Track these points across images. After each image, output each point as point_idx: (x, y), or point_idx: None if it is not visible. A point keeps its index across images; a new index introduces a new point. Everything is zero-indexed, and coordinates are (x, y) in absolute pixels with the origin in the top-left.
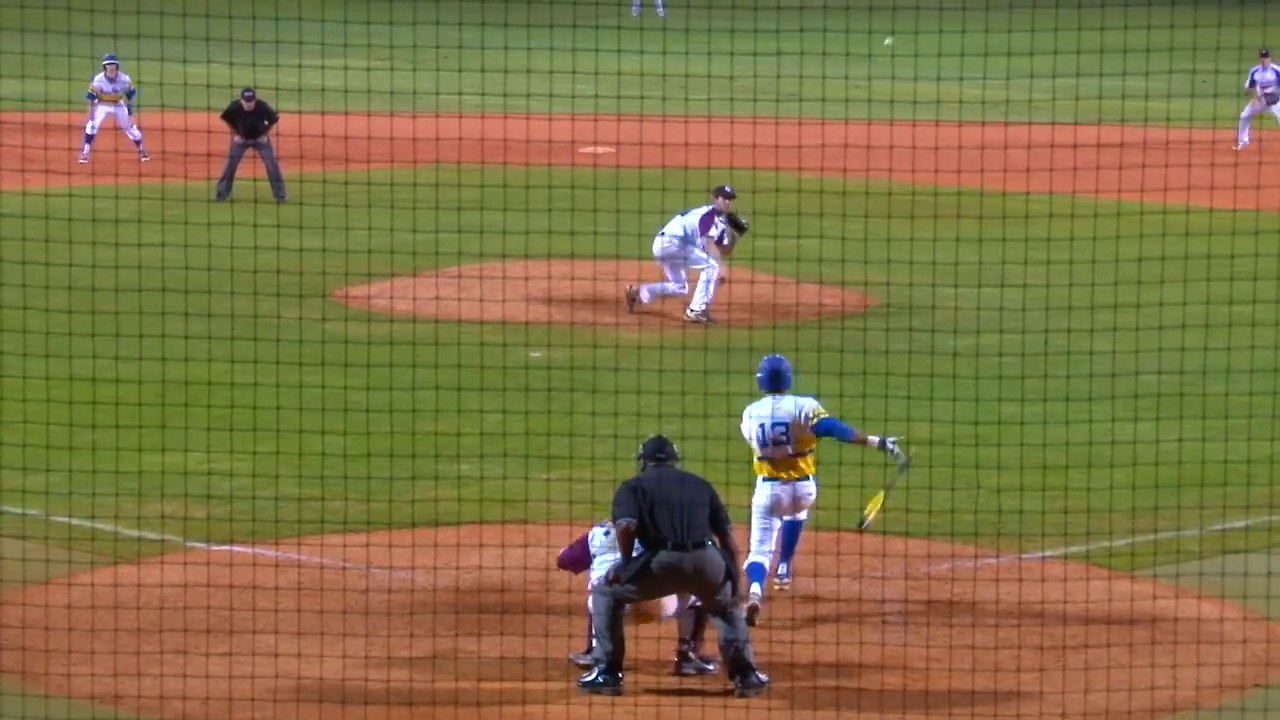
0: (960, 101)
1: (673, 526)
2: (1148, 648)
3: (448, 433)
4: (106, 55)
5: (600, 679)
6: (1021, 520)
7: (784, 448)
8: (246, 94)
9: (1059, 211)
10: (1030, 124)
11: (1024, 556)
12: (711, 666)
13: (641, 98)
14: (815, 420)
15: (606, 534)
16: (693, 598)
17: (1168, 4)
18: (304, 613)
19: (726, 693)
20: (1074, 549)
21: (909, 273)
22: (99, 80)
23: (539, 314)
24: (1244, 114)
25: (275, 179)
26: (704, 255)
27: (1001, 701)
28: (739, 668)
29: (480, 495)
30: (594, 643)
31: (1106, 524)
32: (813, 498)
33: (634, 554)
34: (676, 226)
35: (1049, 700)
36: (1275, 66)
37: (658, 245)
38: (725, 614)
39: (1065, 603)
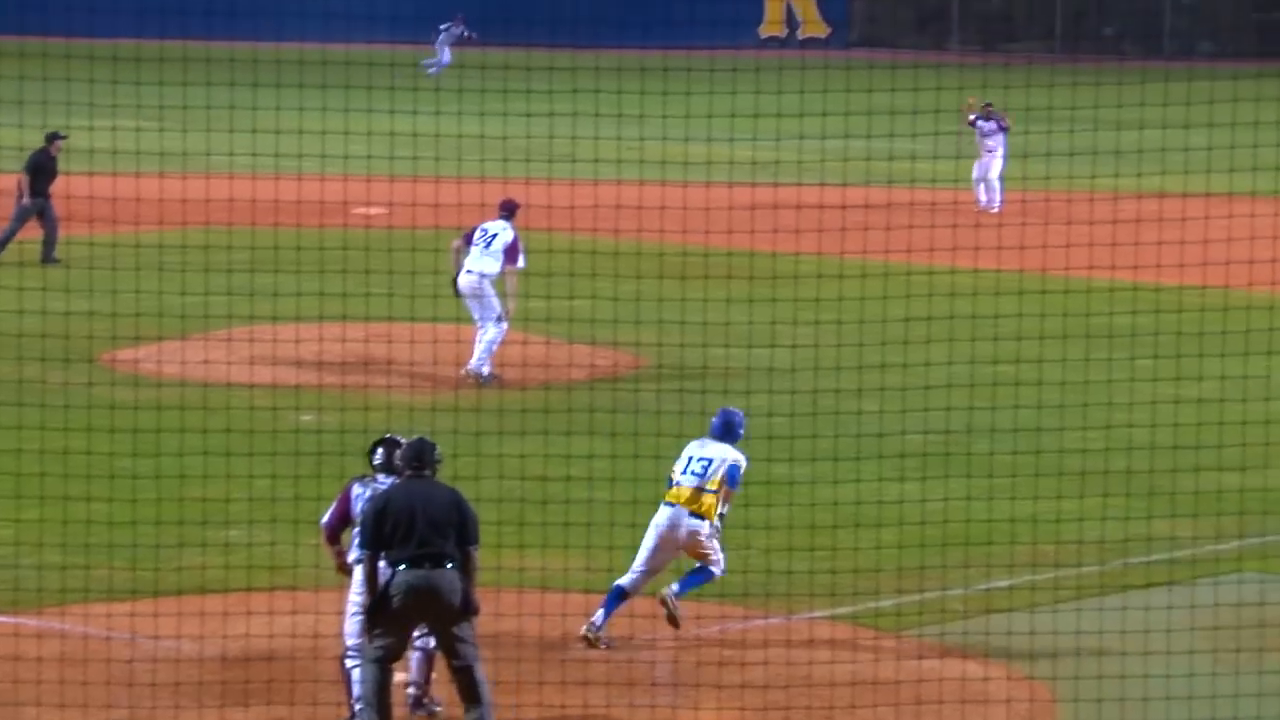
0: (730, 163)
1: (413, 544)
2: (914, 708)
3: (216, 499)
4: None
5: None
6: (790, 581)
7: (695, 479)
8: (59, 138)
9: (827, 272)
10: (800, 185)
11: (793, 617)
12: (440, 708)
13: (415, 158)
14: (727, 465)
15: (365, 489)
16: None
17: (933, 66)
18: (67, 684)
19: None
20: (841, 610)
21: (680, 333)
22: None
23: (310, 377)
24: (974, 174)
25: (52, 240)
26: (495, 306)
27: None
28: None
29: (249, 562)
30: (356, 711)
31: (874, 584)
32: (700, 538)
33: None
34: (484, 263)
35: None
36: (999, 119)
37: (464, 282)
38: (465, 673)
39: (833, 664)
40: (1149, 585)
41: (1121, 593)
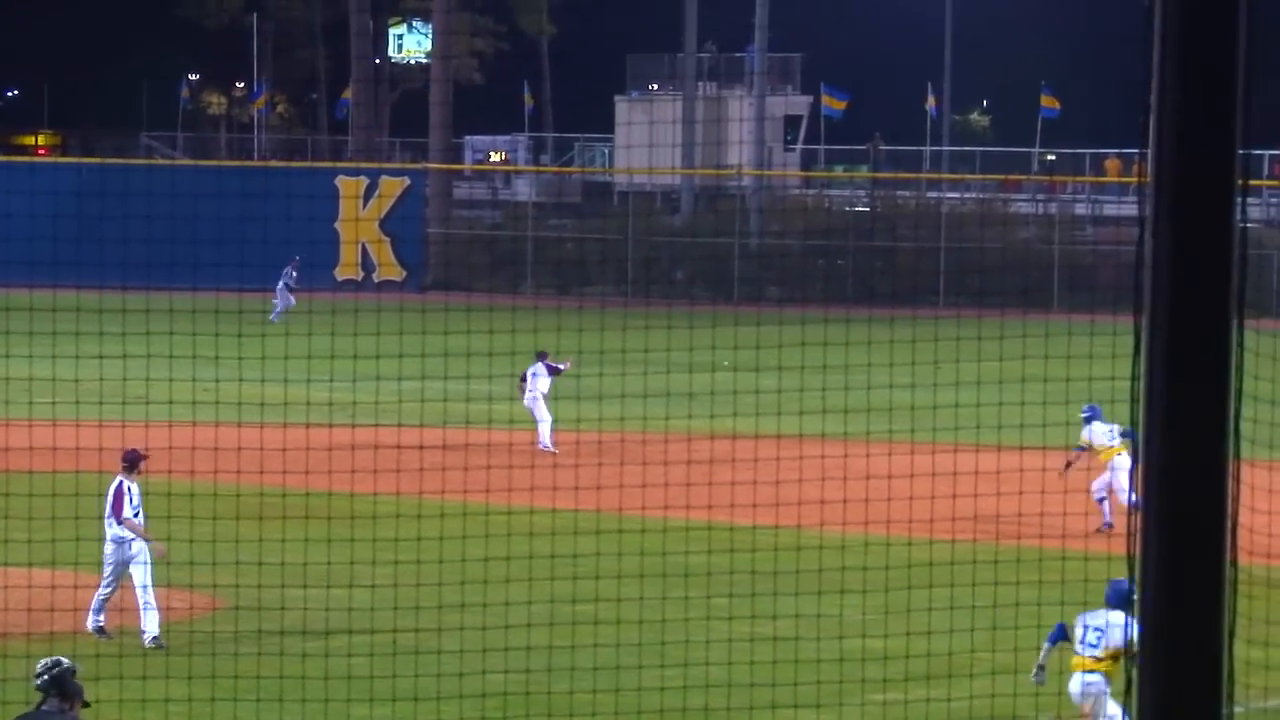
0: (307, 403)
1: None
2: None
3: None
4: None
5: None
6: None
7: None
8: None
9: (406, 512)
10: (377, 425)
11: None
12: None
13: None
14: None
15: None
16: None
17: (509, 309)
18: None
19: None
20: None
21: (258, 574)
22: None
23: None
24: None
25: None
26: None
27: None
28: None
29: None
30: None
31: None
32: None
33: None
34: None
35: None
36: (551, 364)
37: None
38: None
39: None
40: None
41: None
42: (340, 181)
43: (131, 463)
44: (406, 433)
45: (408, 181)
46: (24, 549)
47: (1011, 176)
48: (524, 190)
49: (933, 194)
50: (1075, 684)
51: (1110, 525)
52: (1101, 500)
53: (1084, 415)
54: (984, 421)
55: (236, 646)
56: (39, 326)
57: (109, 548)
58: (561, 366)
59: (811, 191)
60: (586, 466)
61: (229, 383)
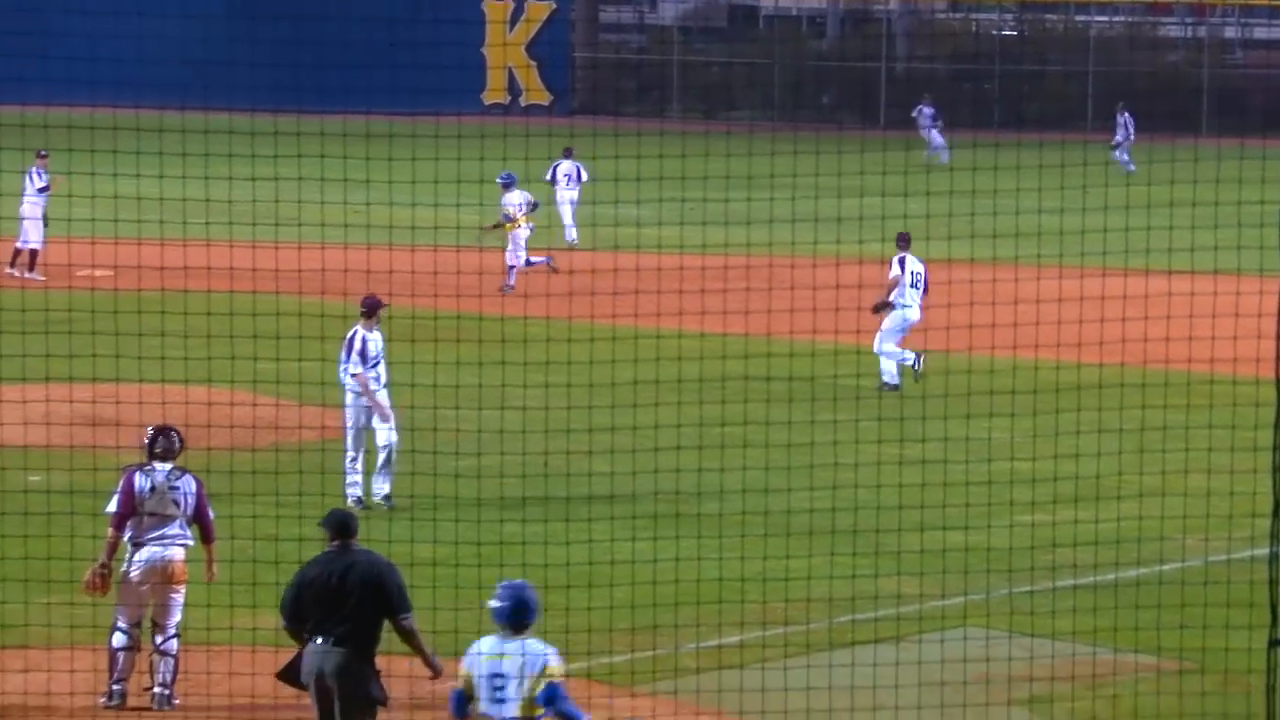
0: (457, 227)
1: (320, 621)
2: None
3: None
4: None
5: None
6: None
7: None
8: None
9: (556, 336)
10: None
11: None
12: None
13: (139, 221)
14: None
15: (146, 479)
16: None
17: (656, 134)
18: None
19: None
20: (575, 665)
21: (411, 395)
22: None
23: (37, 438)
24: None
25: None
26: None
27: None
28: None
29: None
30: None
31: (607, 641)
32: None
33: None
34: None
35: None
36: (580, 164)
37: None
38: None
39: None
40: (877, 641)
41: (850, 648)
42: (487, 6)
43: (370, 309)
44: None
45: (554, 5)
46: (180, 366)
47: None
48: (669, 14)
49: (1081, 17)
50: None
51: None
52: None
53: None
54: (1133, 246)
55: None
56: (191, 148)
57: (347, 397)
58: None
59: (958, 15)
60: (734, 291)
61: (379, 206)
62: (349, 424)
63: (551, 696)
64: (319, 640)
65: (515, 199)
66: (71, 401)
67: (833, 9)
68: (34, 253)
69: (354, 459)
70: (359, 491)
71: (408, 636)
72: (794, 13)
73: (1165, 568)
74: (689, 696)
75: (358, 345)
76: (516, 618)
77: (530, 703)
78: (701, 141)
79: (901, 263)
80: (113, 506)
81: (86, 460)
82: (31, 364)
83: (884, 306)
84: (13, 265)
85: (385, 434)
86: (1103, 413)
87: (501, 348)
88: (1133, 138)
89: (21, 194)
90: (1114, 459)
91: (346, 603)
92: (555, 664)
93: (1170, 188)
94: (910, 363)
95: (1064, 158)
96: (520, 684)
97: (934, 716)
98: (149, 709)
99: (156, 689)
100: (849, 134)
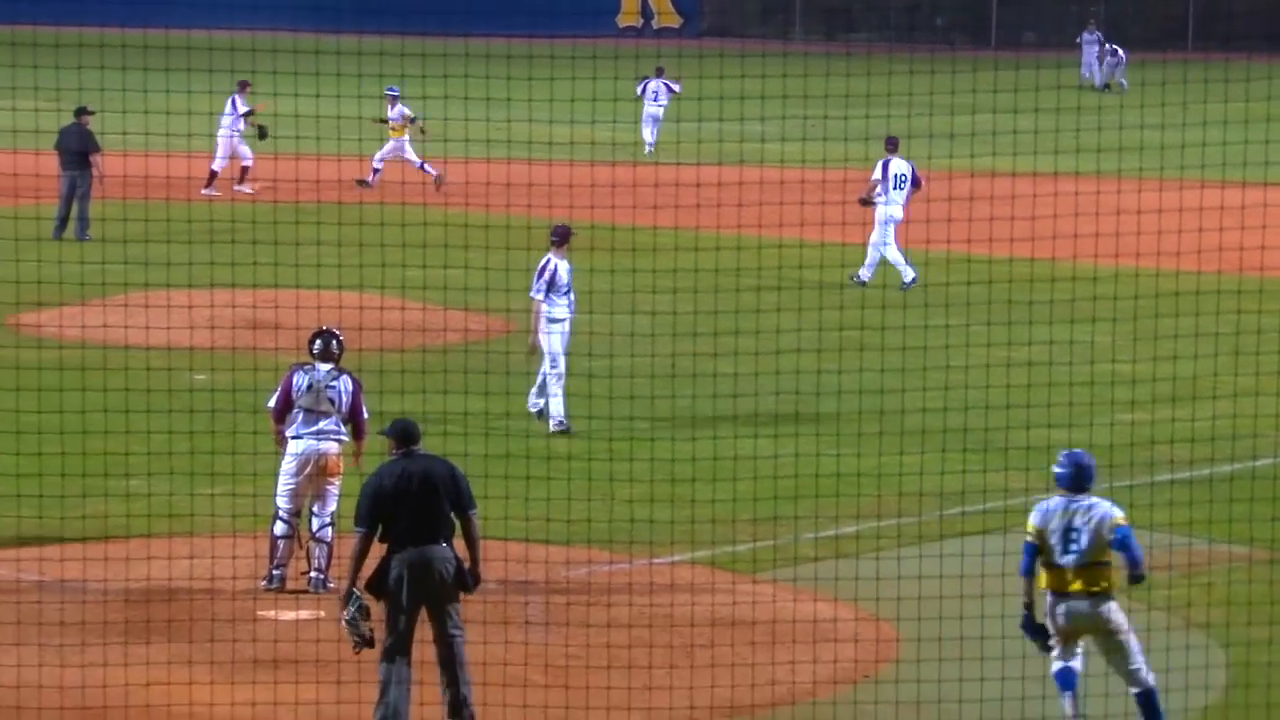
0: (592, 143)
1: (409, 523)
2: (769, 645)
3: (116, 451)
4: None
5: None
6: (652, 528)
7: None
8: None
9: (683, 245)
10: (656, 164)
11: (655, 561)
12: (334, 584)
13: (296, 138)
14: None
15: (306, 377)
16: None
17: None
18: None
19: None
20: (700, 554)
21: None
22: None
23: (202, 339)
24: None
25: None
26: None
27: (636, 695)
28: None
29: (148, 510)
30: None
31: (730, 531)
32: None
33: (369, 558)
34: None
35: (679, 694)
36: (668, 82)
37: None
38: (446, 639)
39: (693, 604)
40: (984, 531)
41: (959, 538)
42: None
43: (561, 237)
44: (684, 170)
45: None
46: (334, 273)
47: None
48: None
49: None
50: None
51: None
52: None
53: None
54: (1230, 159)
55: (527, 364)
56: (345, 69)
57: (542, 324)
58: (676, 87)
59: None
60: (852, 204)
61: (520, 123)
62: (545, 348)
63: (1124, 538)
64: (409, 539)
65: (398, 113)
66: (233, 306)
67: None
68: (245, 168)
69: (544, 378)
70: (560, 415)
71: (470, 531)
72: None
73: (1258, 463)
74: (807, 583)
75: (548, 274)
76: (1079, 480)
77: (1100, 548)
78: (822, 62)
79: (885, 165)
80: (272, 402)
81: (247, 361)
82: (197, 271)
83: (866, 203)
84: (209, 185)
85: (560, 353)
86: (1199, 318)
87: (632, 256)
88: (1124, 61)
89: (221, 117)
90: (1210, 361)
91: (429, 501)
92: (1121, 514)
93: (1267, 104)
94: (866, 276)
95: (1165, 75)
96: (1092, 535)
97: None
98: (306, 592)
99: (313, 573)
100: (961, 54)
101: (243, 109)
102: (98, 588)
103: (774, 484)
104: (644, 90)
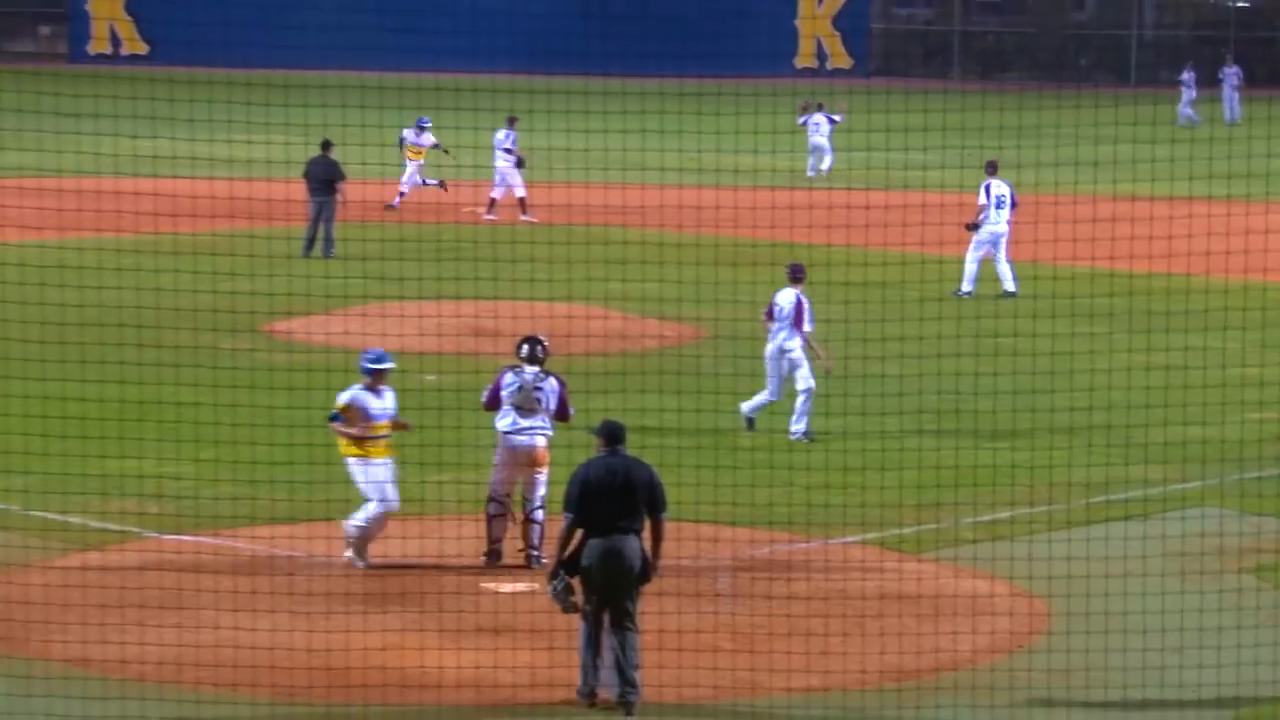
0: (773, 171)
1: (608, 515)
2: (932, 617)
3: None
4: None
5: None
6: (827, 512)
7: None
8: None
9: (853, 261)
10: (830, 189)
11: (830, 542)
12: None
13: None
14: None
15: (516, 378)
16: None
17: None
18: (239, 591)
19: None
20: (870, 535)
21: (733, 309)
22: (409, 134)
23: (432, 345)
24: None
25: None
26: (800, 359)
27: (813, 660)
28: (622, 681)
29: None
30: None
31: (897, 515)
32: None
33: (572, 544)
34: (779, 336)
35: (851, 659)
36: (828, 114)
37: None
38: (621, 623)
39: (864, 580)
40: (1126, 518)
41: (1104, 524)
42: None
43: (797, 276)
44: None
45: None
46: (545, 287)
47: None
48: None
49: None
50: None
51: None
52: None
53: None
54: None
55: (716, 366)
56: (555, 105)
57: (768, 348)
58: (837, 118)
59: None
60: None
61: (708, 153)
62: (773, 368)
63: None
64: (607, 529)
65: (426, 140)
66: (458, 315)
67: None
68: (521, 201)
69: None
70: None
71: (658, 531)
72: None
73: None
74: (966, 562)
75: (807, 309)
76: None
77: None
78: (978, 98)
79: (986, 189)
80: (484, 397)
81: (470, 364)
82: (426, 285)
83: (973, 226)
84: (489, 209)
85: (805, 380)
86: None
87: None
88: (1195, 94)
89: (494, 149)
90: None
91: (627, 498)
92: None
93: None
94: (969, 289)
95: None
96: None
97: (1175, 582)
98: (523, 567)
99: (531, 550)
100: (1103, 91)
101: (505, 144)
102: (341, 563)
103: (936, 474)
104: (805, 122)
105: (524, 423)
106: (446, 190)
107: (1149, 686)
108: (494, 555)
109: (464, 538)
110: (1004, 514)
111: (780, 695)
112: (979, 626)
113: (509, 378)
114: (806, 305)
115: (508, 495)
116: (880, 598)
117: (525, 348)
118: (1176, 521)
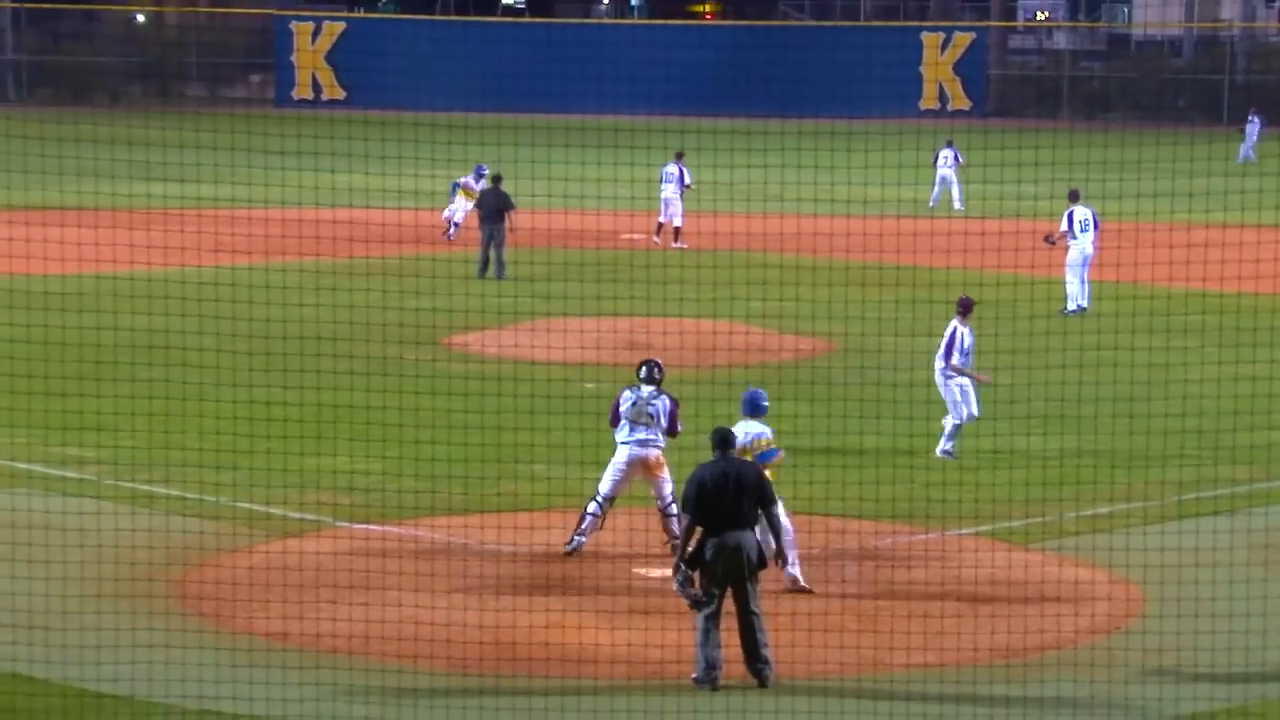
0: (899, 201)
1: (724, 514)
2: (1038, 601)
3: (525, 443)
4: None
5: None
6: (944, 506)
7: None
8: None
9: (970, 281)
10: (950, 218)
11: (946, 533)
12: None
13: (648, 198)
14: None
15: (633, 395)
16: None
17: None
18: (420, 575)
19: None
20: (982, 528)
21: (861, 325)
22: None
23: (591, 356)
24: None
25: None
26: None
27: (930, 639)
28: (752, 659)
29: (548, 490)
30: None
31: (1007, 510)
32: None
33: (693, 542)
34: (936, 364)
35: (965, 638)
36: (956, 151)
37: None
38: (747, 608)
39: (976, 567)
40: (1215, 513)
41: (1194, 519)
42: (923, 35)
43: (965, 309)
44: (970, 223)
45: (974, 35)
46: (693, 305)
47: None
48: (1063, 40)
49: None
50: None
51: None
52: None
53: None
54: None
55: (845, 376)
56: (704, 144)
57: (938, 377)
58: (962, 159)
59: None
60: (1108, 249)
61: (841, 185)
62: (948, 397)
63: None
64: (723, 527)
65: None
66: (615, 331)
67: (1188, 34)
68: (677, 229)
69: (957, 425)
70: (950, 446)
71: (774, 522)
72: (1158, 38)
73: None
74: (1070, 552)
75: (958, 342)
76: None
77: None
78: (1085, 137)
79: (1070, 215)
80: (610, 415)
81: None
82: (587, 303)
83: (1051, 241)
84: (656, 234)
85: (965, 410)
86: None
87: (929, 290)
88: (1256, 138)
89: (663, 182)
90: None
91: (740, 498)
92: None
93: None
94: (1076, 306)
95: None
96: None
97: (1258, 571)
98: (669, 555)
99: (674, 541)
100: (1199, 130)
101: (684, 179)
102: (509, 550)
103: (1043, 472)
104: (937, 158)
105: (638, 435)
106: (453, 240)
107: (1234, 665)
108: (575, 544)
109: (619, 530)
110: (1104, 509)
111: (900, 671)
112: (1080, 610)
113: (627, 394)
114: (959, 338)
115: (609, 498)
116: (991, 583)
117: (644, 369)
118: (1260, 516)
